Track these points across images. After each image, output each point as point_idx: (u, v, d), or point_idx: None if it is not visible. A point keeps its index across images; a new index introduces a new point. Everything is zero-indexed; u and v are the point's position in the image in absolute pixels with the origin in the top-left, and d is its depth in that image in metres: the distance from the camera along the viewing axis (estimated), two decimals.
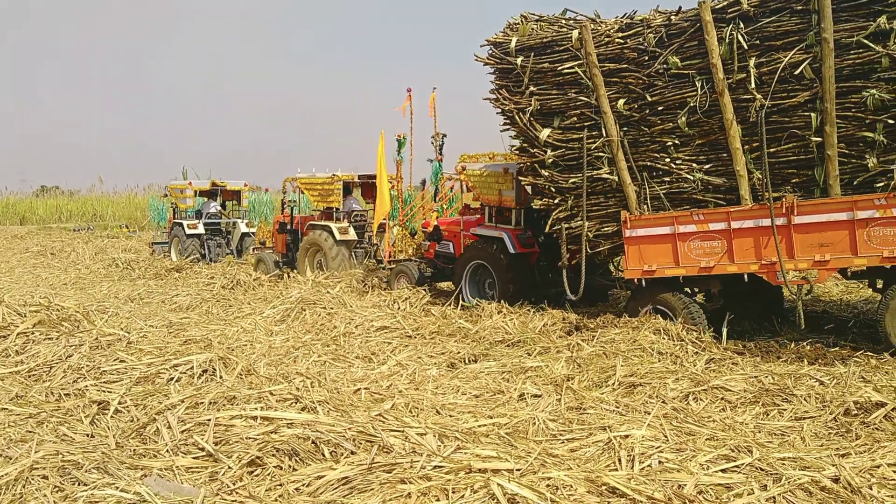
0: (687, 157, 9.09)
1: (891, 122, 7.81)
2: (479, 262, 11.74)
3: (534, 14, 10.18)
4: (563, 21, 10.00)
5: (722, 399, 6.35)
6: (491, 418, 5.91)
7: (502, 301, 10.80)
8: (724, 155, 8.82)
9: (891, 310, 7.97)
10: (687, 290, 9.34)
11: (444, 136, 15.88)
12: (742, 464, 4.79)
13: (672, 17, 9.05)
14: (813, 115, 8.21)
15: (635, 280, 9.50)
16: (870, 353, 7.85)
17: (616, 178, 9.49)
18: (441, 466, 4.56)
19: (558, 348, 8.37)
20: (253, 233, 21.00)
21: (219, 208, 22.59)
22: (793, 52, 8.22)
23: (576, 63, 9.55)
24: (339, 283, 13.43)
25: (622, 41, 9.30)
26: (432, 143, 16.02)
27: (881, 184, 7.98)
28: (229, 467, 4.57)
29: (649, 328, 8.53)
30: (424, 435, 5.10)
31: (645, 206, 9.34)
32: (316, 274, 15.32)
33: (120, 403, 5.97)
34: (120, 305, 12.20)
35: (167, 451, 4.87)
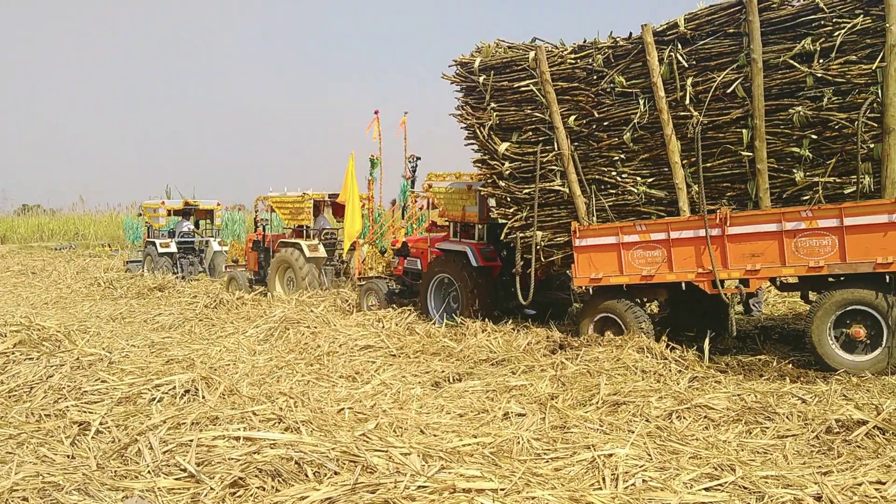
0: (632, 171, 9.57)
1: (814, 137, 8.22)
2: (443, 275, 12.05)
3: (505, 41, 10.64)
4: (523, 44, 10.43)
5: (705, 417, 6.37)
6: (475, 437, 5.90)
7: (476, 316, 11.00)
8: (666, 169, 9.26)
9: (816, 320, 8.22)
10: (637, 299, 9.67)
11: (419, 158, 16.32)
12: (725, 482, 4.82)
13: (618, 40, 9.55)
14: (744, 131, 8.66)
15: (584, 288, 9.97)
16: (851, 372, 7.92)
17: (567, 190, 9.98)
18: (425, 486, 4.54)
19: (542, 367, 8.37)
20: (226, 251, 21.10)
21: (192, 227, 22.96)
22: (726, 72, 8.68)
23: (531, 81, 10.06)
24: (323, 302, 13.41)
25: (573, 61, 9.83)
26: (407, 164, 16.47)
27: (807, 197, 8.39)
28: (211, 488, 4.54)
29: (633, 347, 8.57)
30: (408, 455, 5.08)
31: (594, 218, 9.81)
32: (287, 291, 15.81)
33: (101, 424, 5.92)
34: (102, 325, 12.10)
35: (149, 472, 4.83)
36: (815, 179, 8.31)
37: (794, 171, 8.42)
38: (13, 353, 8.28)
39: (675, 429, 6.09)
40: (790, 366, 8.34)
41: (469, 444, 5.67)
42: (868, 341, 8.04)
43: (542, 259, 10.34)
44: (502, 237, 10.94)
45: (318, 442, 5.17)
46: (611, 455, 5.31)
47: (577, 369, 8.04)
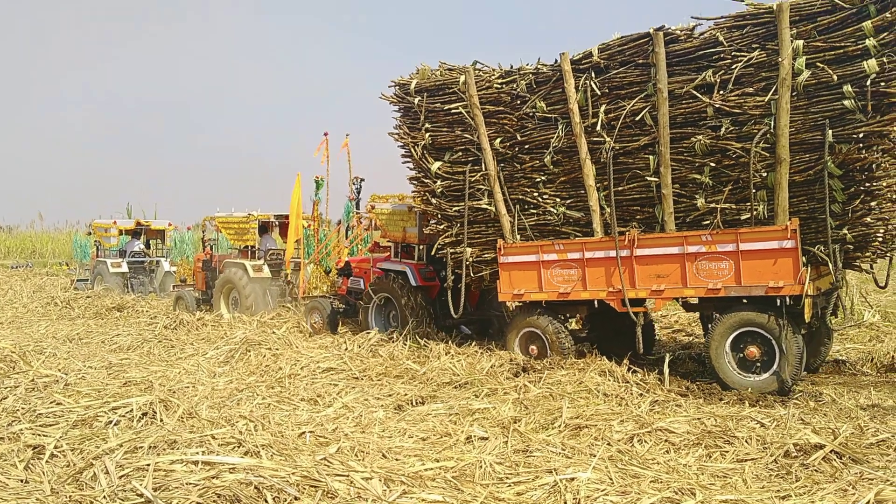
0: (552, 193, 10.05)
1: (713, 165, 8.66)
2: (384, 294, 12.49)
3: (446, 63, 10.97)
4: (456, 67, 10.82)
5: (666, 441, 6.41)
6: (438, 461, 5.87)
7: (406, 335, 11.46)
8: (582, 191, 9.74)
9: (714, 340, 8.67)
10: (560, 315, 10.14)
11: (363, 179, 16.80)
12: None
13: (540, 67, 9.97)
14: (651, 157, 9.06)
15: (508, 303, 10.52)
16: (808, 396, 8.05)
17: (494, 209, 10.46)
18: None
19: (506, 390, 8.38)
20: (175, 271, 21.35)
21: (142, 247, 23.10)
22: (635, 101, 9.10)
23: (461, 104, 10.52)
24: (286, 324, 13.31)
25: (500, 86, 10.27)
26: (351, 185, 16.89)
27: (708, 222, 8.80)
28: None
29: (595, 370, 8.62)
30: (370, 479, 5.05)
31: (518, 236, 10.30)
32: (231, 311, 16.09)
33: (56, 448, 5.81)
34: (58, 346, 11.87)
35: (104, 497, 4.73)
36: (715, 206, 8.71)
37: (697, 196, 8.84)
38: None
39: (636, 452, 6.12)
40: (749, 390, 8.43)
41: (431, 469, 5.64)
42: (761, 363, 8.45)
43: (472, 274, 10.82)
44: (433, 252, 11.50)
45: (278, 466, 5.11)
46: (573, 479, 5.32)
47: (539, 392, 8.06)
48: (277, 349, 10.83)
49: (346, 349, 10.85)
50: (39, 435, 6.20)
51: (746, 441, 6.29)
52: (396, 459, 5.96)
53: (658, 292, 9.09)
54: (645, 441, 6.41)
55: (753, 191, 8.40)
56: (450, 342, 10.85)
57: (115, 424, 6.46)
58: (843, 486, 5.17)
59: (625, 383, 8.35)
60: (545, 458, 5.93)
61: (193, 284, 18.52)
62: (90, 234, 24.33)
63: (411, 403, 8.09)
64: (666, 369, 8.82)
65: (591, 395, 7.93)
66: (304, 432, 6.64)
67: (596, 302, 9.66)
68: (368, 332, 11.65)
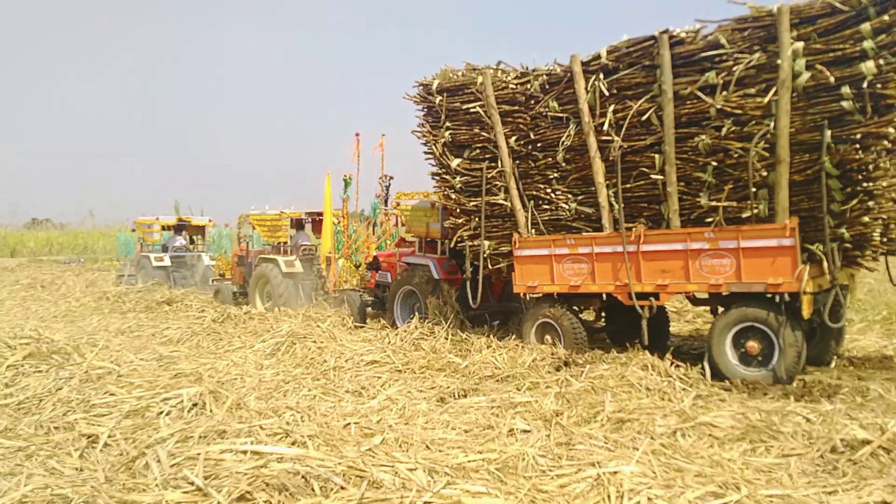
0: (565, 189, 10.36)
1: (715, 164, 8.81)
2: (408, 287, 12.98)
3: (471, 64, 11.34)
4: (476, 68, 11.21)
5: (710, 435, 6.38)
6: (481, 453, 5.91)
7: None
8: (593, 188, 9.99)
9: (716, 334, 8.82)
10: (574, 307, 10.51)
11: (391, 178, 17.13)
12: (730, 501, 4.83)
13: (553, 68, 10.26)
14: (657, 156, 9.25)
15: (523, 295, 11.00)
16: (855, 391, 7.93)
17: (509, 204, 10.82)
18: (431, 502, 4.57)
19: (547, 384, 8.39)
20: (214, 265, 21.83)
21: (184, 242, 23.94)
22: (641, 101, 9.32)
23: (479, 104, 10.88)
24: (330, 317, 13.47)
25: (514, 87, 10.63)
26: (380, 183, 17.26)
27: (711, 219, 8.96)
28: (219, 502, 4.57)
29: (637, 364, 8.59)
30: (414, 470, 5.12)
31: (532, 230, 10.64)
32: (265, 305, 16.66)
33: (109, 437, 5.99)
34: (110, 338, 12.15)
35: (157, 485, 4.87)
36: (718, 204, 8.87)
37: (700, 194, 9.02)
38: (22, 366, 8.39)
39: (679, 446, 6.10)
40: (795, 385, 8.34)
41: (474, 460, 5.68)
42: (761, 357, 8.59)
43: (490, 266, 11.22)
44: (451, 244, 12.05)
45: (324, 456, 5.20)
46: (616, 472, 5.33)
47: (581, 386, 8.06)
48: (322, 342, 10.97)
49: (389, 342, 10.96)
50: (94, 424, 6.40)
51: (792, 436, 6.23)
52: (440, 451, 6.02)
53: (663, 287, 9.31)
54: (688, 435, 6.38)
55: (754, 189, 8.52)
56: (491, 336, 10.89)
57: (166, 415, 6.63)
58: (891, 481, 5.11)
59: (667, 378, 8.31)
60: (588, 452, 5.95)
61: (231, 279, 19.19)
62: (134, 230, 25.10)
63: (454, 396, 8.15)
64: (707, 364, 8.75)
65: (633, 390, 7.91)
66: (349, 423, 6.75)
67: (604, 295, 9.98)
68: (409, 326, 11.75)
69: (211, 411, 6.69)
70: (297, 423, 6.37)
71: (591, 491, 5.14)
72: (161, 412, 6.70)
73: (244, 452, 5.24)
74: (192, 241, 24.48)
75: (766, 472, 5.58)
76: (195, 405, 6.83)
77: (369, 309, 14.54)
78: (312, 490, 4.72)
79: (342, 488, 4.76)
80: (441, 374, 9.24)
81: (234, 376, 9.01)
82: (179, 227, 24.10)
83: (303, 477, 4.83)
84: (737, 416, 6.84)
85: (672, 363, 8.77)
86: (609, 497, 4.95)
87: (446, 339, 11.03)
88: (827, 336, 9.54)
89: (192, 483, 4.81)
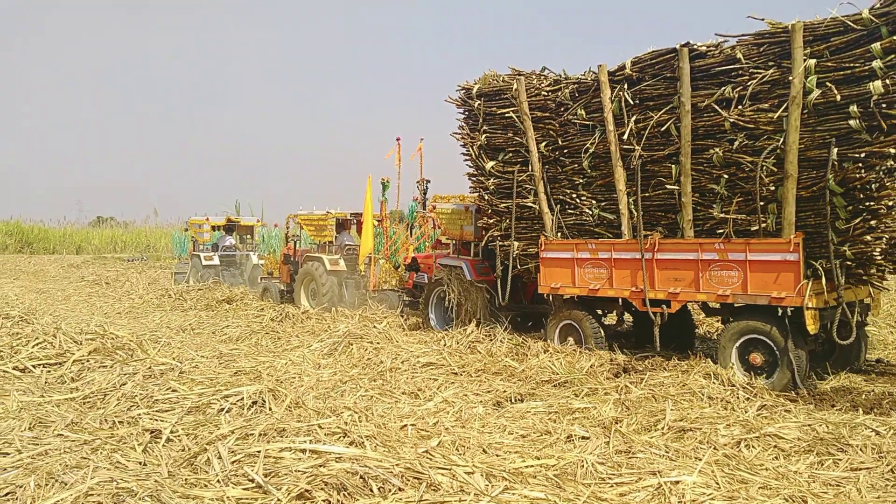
0: (589, 195, 10.62)
1: (725, 177, 8.96)
2: (442, 288, 13.11)
3: (515, 69, 11.58)
4: (520, 73, 11.42)
5: (775, 447, 6.22)
6: (538, 459, 5.86)
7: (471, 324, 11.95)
8: (615, 195, 10.21)
9: (722, 344, 9.07)
10: (597, 310, 10.91)
11: (429, 181, 17.49)
12: None
13: (582, 77, 10.54)
14: (674, 167, 9.44)
15: (546, 296, 11.25)
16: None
17: (538, 207, 11.11)
18: None
19: (606, 390, 8.29)
20: (262, 264, 22.47)
21: (233, 242, 24.62)
22: (661, 112, 9.52)
23: (512, 109, 11.21)
24: (386, 318, 13.52)
25: (547, 94, 10.92)
26: (417, 187, 17.67)
27: (722, 231, 9.13)
28: (279, 500, 4.59)
29: (699, 372, 8.43)
30: (472, 474, 5.08)
31: (558, 233, 10.93)
32: (310, 302, 17.27)
33: (172, 432, 6.07)
34: (172, 335, 12.39)
35: (218, 481, 4.92)
36: (728, 216, 9.03)
37: (714, 206, 9.20)
38: (88, 361, 8.58)
39: (743, 457, 5.96)
40: (863, 397, 8.08)
41: (532, 466, 5.64)
42: (765, 368, 8.72)
43: (518, 266, 11.56)
44: (482, 243, 12.46)
45: (382, 457, 5.20)
46: (678, 482, 5.23)
47: (641, 394, 7.94)
48: (378, 343, 11.02)
49: (445, 345, 10.94)
50: (156, 420, 6.50)
51: (861, 449, 6.04)
52: (497, 455, 5.98)
53: (674, 294, 9.53)
54: (752, 446, 6.24)
55: (761, 203, 8.66)
56: (549, 341, 10.80)
57: (226, 412, 6.71)
58: None
59: (730, 387, 8.12)
60: (648, 460, 5.85)
61: (279, 277, 19.67)
62: (187, 230, 26.03)
63: (510, 400, 8.11)
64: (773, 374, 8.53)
65: (695, 398, 7.75)
66: (405, 425, 6.75)
67: (621, 300, 10.29)
68: (466, 329, 11.73)
69: (270, 409, 6.74)
70: (355, 424, 6.38)
71: (652, 500, 5.05)
72: (222, 409, 6.78)
73: (303, 451, 5.26)
74: (241, 241, 25.29)
75: (834, 485, 5.42)
76: (255, 403, 6.90)
77: (407, 309, 14.83)
78: (371, 491, 4.72)
79: (400, 490, 4.75)
80: (497, 377, 9.20)
81: (292, 375, 9.10)
82: (229, 227, 24.92)
83: (361, 477, 4.83)
84: (803, 427, 6.66)
85: (733, 373, 8.58)
86: None
87: (502, 342, 10.98)
88: (846, 350, 9.55)
89: (252, 480, 4.85)
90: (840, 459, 5.91)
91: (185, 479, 5.02)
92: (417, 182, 17.30)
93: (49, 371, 8.24)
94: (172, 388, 7.51)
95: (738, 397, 7.81)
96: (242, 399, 6.92)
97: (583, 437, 6.56)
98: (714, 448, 6.14)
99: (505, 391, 8.43)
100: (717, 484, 5.27)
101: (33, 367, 8.29)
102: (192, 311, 16.81)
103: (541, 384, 8.85)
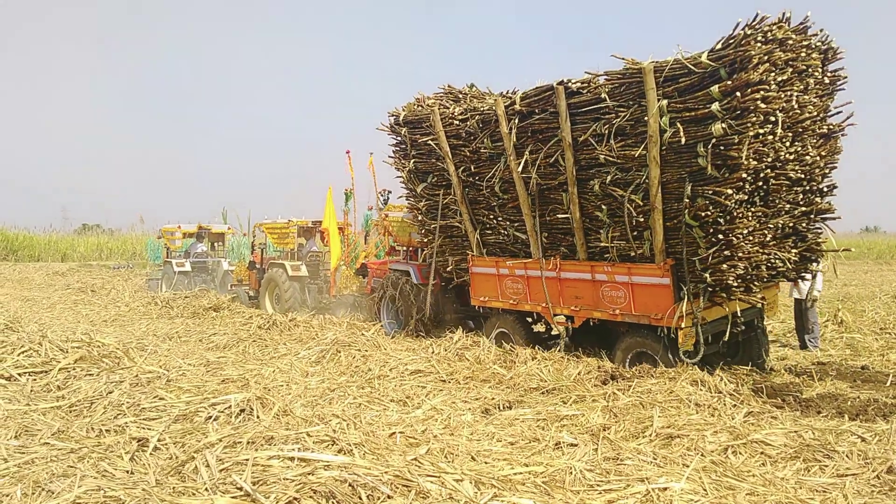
0: (504, 217, 11.20)
1: (604, 207, 9.47)
2: (392, 292, 13.83)
3: (452, 86, 12.58)
4: (429, 103, 12.17)
5: (762, 453, 6.25)
6: (527, 466, 5.87)
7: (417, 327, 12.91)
8: (523, 218, 10.72)
9: (617, 356, 9.84)
10: (526, 319, 11.51)
11: (389, 192, 18.20)
12: None
13: (486, 109, 10.94)
14: (564, 195, 9.96)
15: (477, 307, 12.15)
16: None
17: (463, 227, 11.88)
18: None
19: (594, 397, 8.31)
20: (233, 271, 23.33)
21: (205, 249, 25.46)
22: (549, 144, 9.95)
23: (431, 137, 11.78)
24: (374, 326, 13.51)
25: (459, 123, 11.39)
26: (378, 196, 17.97)
27: (609, 255, 9.73)
28: None
29: (686, 379, 8.46)
30: (461, 481, 5.09)
31: (483, 250, 11.67)
32: (274, 307, 17.98)
33: (159, 441, 6.04)
34: (158, 343, 12.32)
35: (206, 489, 4.91)
36: (609, 243, 9.61)
37: (601, 232, 9.72)
38: (74, 369, 8.53)
39: (731, 464, 5.99)
40: (849, 403, 8.14)
41: (521, 473, 5.65)
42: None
43: (456, 278, 12.45)
44: (420, 259, 13.50)
45: (371, 465, 5.20)
46: (665, 489, 5.25)
47: (629, 401, 7.96)
48: (366, 351, 11.01)
49: (433, 352, 10.95)
50: (144, 428, 6.47)
51: (847, 456, 6.07)
52: (486, 463, 5.99)
53: (577, 311, 10.31)
54: (740, 453, 6.26)
55: (634, 233, 9.24)
56: (536, 348, 10.83)
57: (214, 420, 6.68)
58: None
59: (717, 393, 8.16)
60: (636, 467, 5.87)
61: (248, 284, 20.28)
62: (160, 237, 26.81)
63: (499, 408, 8.12)
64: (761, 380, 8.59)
65: (682, 405, 7.77)
66: (394, 432, 6.75)
67: (535, 314, 11.12)
68: (453, 336, 11.75)
69: (258, 417, 6.72)
70: (344, 431, 6.38)
71: None
72: (209, 417, 6.75)
73: (291, 459, 5.26)
74: (212, 248, 25.99)
75: (821, 492, 5.45)
76: (243, 411, 6.88)
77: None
78: (360, 498, 4.72)
79: (389, 497, 4.75)
80: (486, 385, 9.21)
81: (280, 383, 9.08)
82: (200, 235, 25.60)
83: (350, 485, 4.83)
84: (790, 434, 6.70)
85: (722, 379, 8.62)
86: None
87: (490, 349, 10.99)
88: (748, 350, 10.47)
89: (240, 488, 4.84)
90: (826, 466, 5.94)
91: (173, 488, 5.00)
92: (379, 192, 17.77)
93: (35, 379, 8.18)
94: (159, 396, 7.48)
95: (724, 404, 7.84)
96: (230, 407, 6.90)
97: (571, 444, 6.57)
98: (701, 455, 6.17)
99: (493, 398, 8.44)
100: (705, 490, 5.30)
101: (19, 375, 8.23)
102: (178, 319, 16.74)
103: (529, 391, 8.86)
